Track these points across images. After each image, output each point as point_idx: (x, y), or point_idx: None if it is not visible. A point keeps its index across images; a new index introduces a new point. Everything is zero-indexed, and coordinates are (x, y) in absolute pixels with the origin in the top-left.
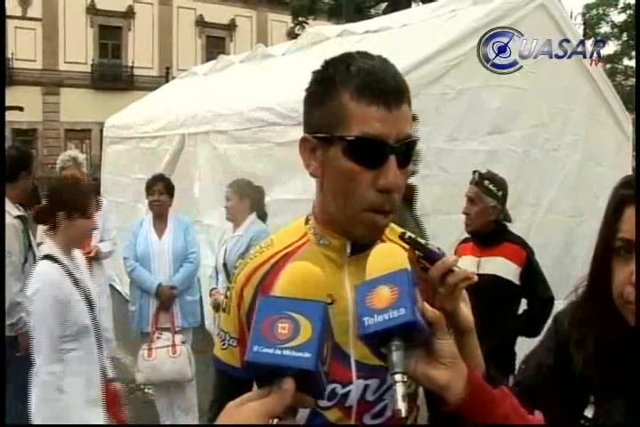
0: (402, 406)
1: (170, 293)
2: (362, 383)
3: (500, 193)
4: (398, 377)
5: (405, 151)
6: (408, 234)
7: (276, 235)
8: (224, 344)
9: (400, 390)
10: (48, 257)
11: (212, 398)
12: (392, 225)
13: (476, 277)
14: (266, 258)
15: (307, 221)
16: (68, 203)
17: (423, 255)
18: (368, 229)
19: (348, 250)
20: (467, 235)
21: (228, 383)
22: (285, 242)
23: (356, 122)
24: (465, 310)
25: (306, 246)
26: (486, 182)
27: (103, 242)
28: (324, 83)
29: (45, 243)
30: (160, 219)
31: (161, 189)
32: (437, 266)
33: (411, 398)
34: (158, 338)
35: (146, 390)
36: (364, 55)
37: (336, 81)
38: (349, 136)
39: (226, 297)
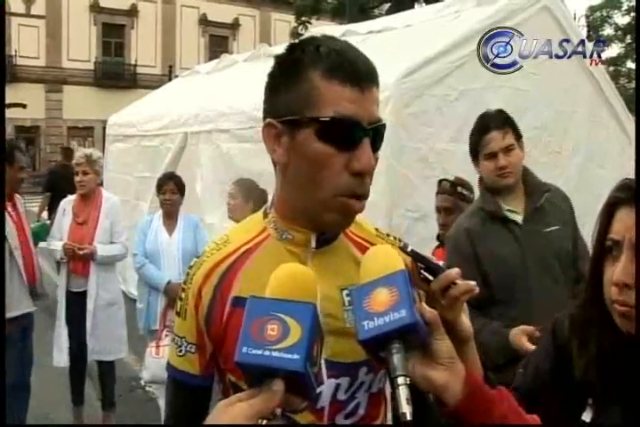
0: (406, 409)
1: (179, 290)
2: (333, 383)
3: (472, 196)
4: (401, 380)
5: (376, 135)
6: (410, 247)
7: (232, 231)
8: (181, 351)
9: (404, 393)
10: None
11: (169, 412)
12: (361, 222)
13: (477, 289)
14: (224, 256)
15: (265, 215)
16: None
17: (425, 267)
18: (341, 215)
19: (313, 244)
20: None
21: (186, 393)
22: (243, 238)
23: (329, 103)
24: (465, 320)
25: (267, 242)
26: (459, 189)
27: (114, 244)
28: (291, 65)
29: None
30: (170, 217)
31: (173, 189)
32: (440, 278)
33: (381, 392)
34: (167, 336)
35: (147, 388)
36: (329, 37)
37: (305, 62)
38: (324, 117)
39: (180, 299)
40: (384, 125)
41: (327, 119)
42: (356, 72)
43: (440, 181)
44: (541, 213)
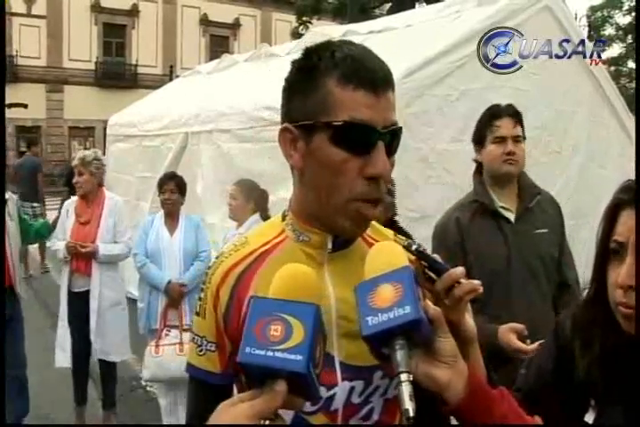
0: (409, 405)
1: (180, 290)
2: (347, 385)
3: (394, 187)
4: (404, 377)
5: (391, 139)
6: (415, 246)
7: (251, 233)
8: (201, 350)
9: (407, 389)
10: None
11: (190, 412)
12: (376, 226)
13: (481, 289)
14: (241, 257)
15: (283, 218)
16: None
17: (429, 267)
18: (355, 220)
19: (330, 246)
20: None
21: (207, 392)
22: (261, 240)
23: (344, 108)
24: (469, 320)
25: (284, 244)
26: None
27: (117, 244)
28: (307, 70)
29: None
30: (171, 217)
31: (173, 188)
32: (444, 278)
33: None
34: (166, 335)
35: (148, 388)
36: (346, 42)
37: (321, 67)
38: (337, 121)
39: (199, 299)
40: (400, 128)
41: (340, 123)
42: (372, 77)
43: None
44: (531, 215)
